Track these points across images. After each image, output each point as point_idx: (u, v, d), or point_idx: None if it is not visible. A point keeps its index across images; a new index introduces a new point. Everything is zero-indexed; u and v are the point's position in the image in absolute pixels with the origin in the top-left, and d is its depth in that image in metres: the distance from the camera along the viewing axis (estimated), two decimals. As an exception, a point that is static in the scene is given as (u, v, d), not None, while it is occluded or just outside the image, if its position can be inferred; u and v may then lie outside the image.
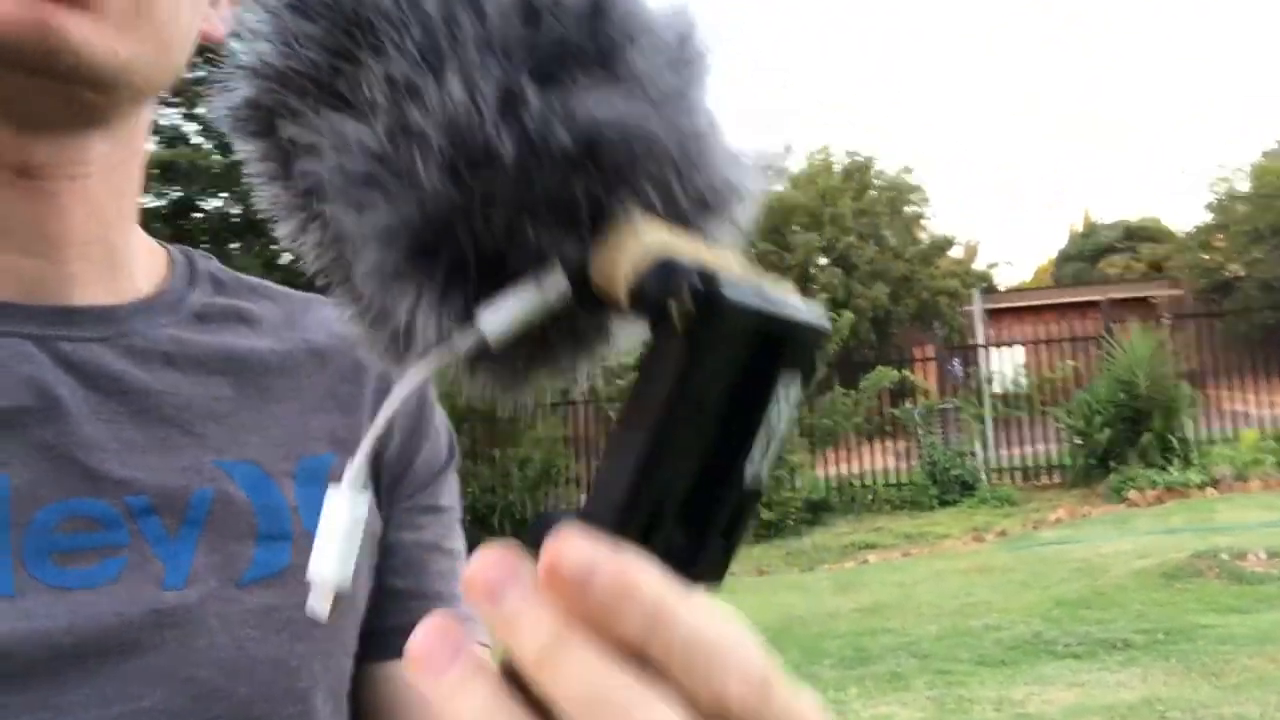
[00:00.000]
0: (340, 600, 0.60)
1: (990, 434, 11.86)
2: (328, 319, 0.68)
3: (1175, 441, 10.01)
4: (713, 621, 0.25)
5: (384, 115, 0.27)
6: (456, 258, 0.27)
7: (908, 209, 24.74)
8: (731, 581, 0.28)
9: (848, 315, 12.37)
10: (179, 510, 0.55)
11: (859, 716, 4.23)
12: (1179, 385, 10.51)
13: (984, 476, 11.07)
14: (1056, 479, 11.22)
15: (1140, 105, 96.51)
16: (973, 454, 11.16)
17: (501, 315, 0.27)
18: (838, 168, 24.37)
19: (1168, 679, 4.31)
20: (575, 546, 0.24)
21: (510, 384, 0.32)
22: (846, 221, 22.84)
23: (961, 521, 9.55)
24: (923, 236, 24.72)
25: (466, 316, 0.28)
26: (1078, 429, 10.68)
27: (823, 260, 22.93)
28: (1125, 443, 10.13)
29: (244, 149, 0.32)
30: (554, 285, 0.27)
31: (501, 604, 0.25)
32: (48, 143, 0.54)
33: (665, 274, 0.26)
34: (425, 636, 0.26)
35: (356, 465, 0.31)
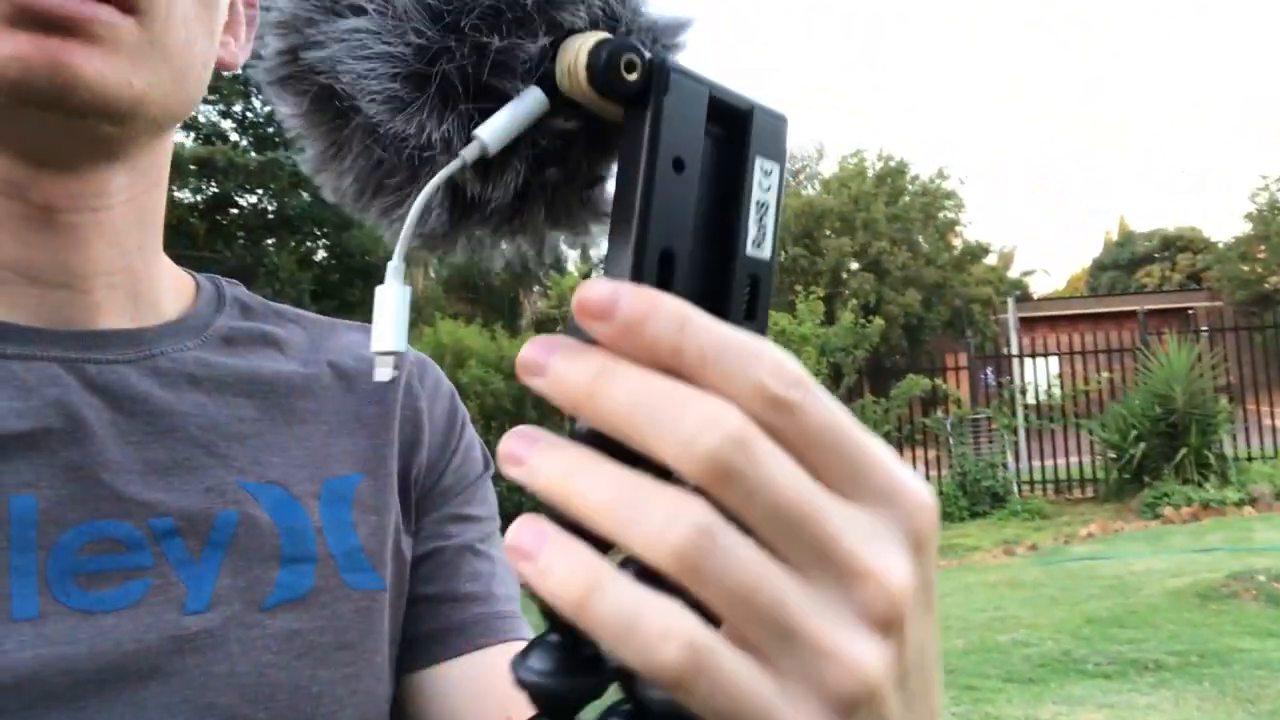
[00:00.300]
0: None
1: (1023, 445, 11.73)
2: (354, 343, 0.69)
3: (1212, 457, 9.85)
4: (740, 330, 0.27)
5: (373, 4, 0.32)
6: (448, 78, 0.31)
7: (942, 215, 24.57)
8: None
9: (879, 321, 12.28)
10: (202, 532, 0.55)
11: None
12: (1217, 400, 10.34)
13: (1015, 488, 10.95)
14: (1089, 493, 11.07)
15: (1179, 111, 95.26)
16: (1004, 465, 11.04)
17: (494, 125, 0.31)
18: (870, 172, 24.25)
19: (1200, 703, 4.23)
20: (598, 285, 0.27)
21: (519, 226, 0.35)
22: (879, 226, 22.72)
23: (991, 534, 9.44)
24: (956, 243, 24.56)
25: (467, 140, 0.32)
26: (1112, 442, 10.53)
27: (854, 265, 22.82)
28: (1160, 457, 9.97)
29: (281, 101, 0.35)
30: (530, 96, 0.32)
31: (547, 370, 0.27)
32: (68, 178, 0.55)
33: (615, 45, 0.29)
34: (507, 439, 0.29)
35: (398, 255, 0.34)
